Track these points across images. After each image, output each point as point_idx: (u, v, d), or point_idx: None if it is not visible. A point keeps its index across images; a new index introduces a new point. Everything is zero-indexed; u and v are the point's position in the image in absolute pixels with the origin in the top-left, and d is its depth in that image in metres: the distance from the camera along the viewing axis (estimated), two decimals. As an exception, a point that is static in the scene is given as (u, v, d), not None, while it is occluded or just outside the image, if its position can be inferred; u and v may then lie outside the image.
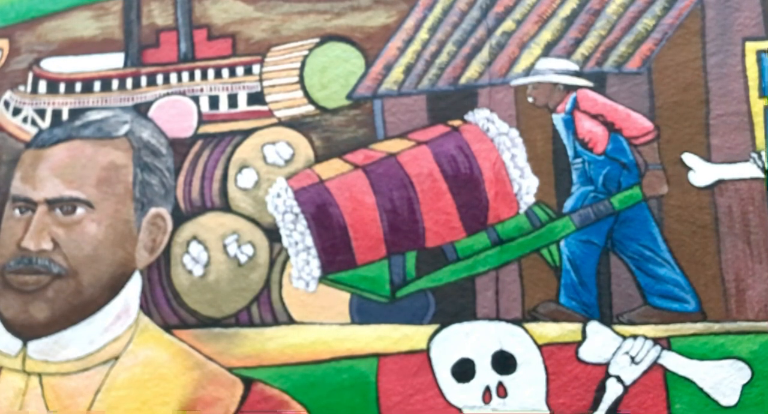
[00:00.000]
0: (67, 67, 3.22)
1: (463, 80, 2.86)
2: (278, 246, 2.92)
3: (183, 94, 3.10)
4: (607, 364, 2.62)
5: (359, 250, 2.84)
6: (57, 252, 2.97)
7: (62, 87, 3.22)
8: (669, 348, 2.59)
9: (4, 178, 3.18)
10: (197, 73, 3.10)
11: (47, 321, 2.97)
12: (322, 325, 2.84)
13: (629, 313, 2.64)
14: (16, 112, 3.25)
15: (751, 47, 2.66)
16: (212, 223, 2.99)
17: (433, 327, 2.76)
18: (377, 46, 2.94)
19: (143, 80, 3.15)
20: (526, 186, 2.75)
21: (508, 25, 2.85)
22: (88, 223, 2.99)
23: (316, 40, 3.00)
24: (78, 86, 3.20)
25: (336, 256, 2.86)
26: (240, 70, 3.06)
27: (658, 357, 2.59)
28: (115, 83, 3.17)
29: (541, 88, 2.80)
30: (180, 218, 3.02)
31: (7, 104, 3.26)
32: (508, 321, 2.71)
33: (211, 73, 3.08)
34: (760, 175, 2.60)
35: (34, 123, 3.21)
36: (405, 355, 2.78)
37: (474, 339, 2.73)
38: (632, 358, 2.60)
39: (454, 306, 2.75)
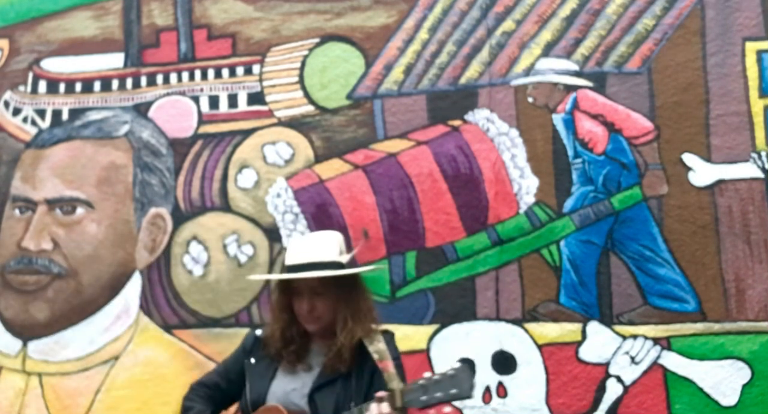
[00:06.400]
0: (67, 67, 3.22)
1: (463, 80, 2.85)
2: (278, 246, 2.92)
3: (183, 94, 3.10)
4: (607, 364, 2.62)
5: (359, 250, 2.84)
6: (57, 252, 2.97)
7: (62, 87, 3.22)
8: (669, 348, 2.59)
9: (4, 178, 3.18)
10: (197, 73, 3.09)
11: (47, 321, 2.97)
12: (322, 325, 2.84)
13: (629, 313, 2.63)
14: (16, 112, 3.25)
15: (751, 47, 2.66)
16: (212, 223, 2.99)
17: (433, 327, 2.76)
18: (377, 46, 2.94)
19: (143, 80, 3.15)
20: (526, 186, 2.75)
21: (508, 25, 2.85)
22: (88, 223, 2.99)
23: (316, 40, 3.00)
24: (78, 86, 3.20)
25: (336, 256, 2.86)
26: (240, 70, 3.06)
27: (658, 357, 2.59)
28: (115, 83, 3.17)
29: (541, 88, 2.80)
30: (180, 218, 3.02)
31: (7, 104, 3.26)
32: (508, 321, 2.71)
33: (211, 73, 3.08)
34: (760, 175, 2.60)
35: (34, 123, 3.21)
36: (405, 355, 2.78)
37: (474, 339, 2.73)
38: (632, 358, 2.60)
39: (454, 306, 2.75)
